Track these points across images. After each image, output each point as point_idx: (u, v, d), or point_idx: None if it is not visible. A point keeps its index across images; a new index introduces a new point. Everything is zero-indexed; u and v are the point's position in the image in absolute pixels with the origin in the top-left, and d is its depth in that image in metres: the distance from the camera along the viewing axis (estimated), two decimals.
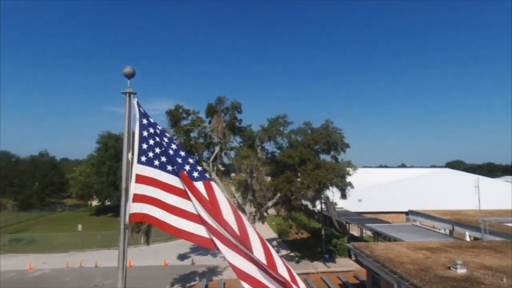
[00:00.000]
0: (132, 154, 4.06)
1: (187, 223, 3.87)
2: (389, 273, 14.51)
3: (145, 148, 4.03)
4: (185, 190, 3.95)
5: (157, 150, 4.08)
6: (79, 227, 40.10)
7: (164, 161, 4.04)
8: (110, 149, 58.88)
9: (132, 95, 4.09)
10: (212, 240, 3.88)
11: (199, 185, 3.96)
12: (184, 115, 23.68)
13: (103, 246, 36.56)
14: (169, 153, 4.08)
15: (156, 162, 4.02)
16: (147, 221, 4.04)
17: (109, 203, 64.30)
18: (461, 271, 13.86)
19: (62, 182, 73.73)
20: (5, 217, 54.04)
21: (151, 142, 4.08)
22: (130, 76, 4.09)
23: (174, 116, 23.17)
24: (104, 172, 57.83)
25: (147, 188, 3.94)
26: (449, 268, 14.42)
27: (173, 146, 4.14)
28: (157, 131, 4.18)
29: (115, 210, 60.23)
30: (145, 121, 4.12)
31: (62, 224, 50.87)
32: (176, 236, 4.07)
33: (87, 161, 64.73)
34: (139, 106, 4.12)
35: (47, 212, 63.44)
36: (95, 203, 67.67)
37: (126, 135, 4.10)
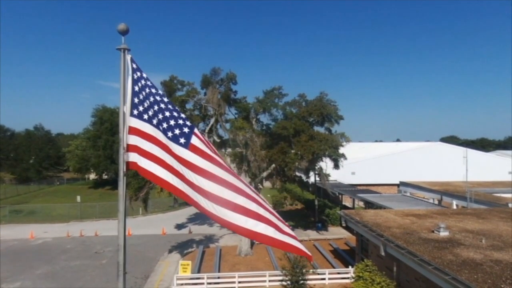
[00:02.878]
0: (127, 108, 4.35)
1: (170, 175, 4.14)
2: (376, 236, 15.30)
3: (136, 102, 4.28)
4: (168, 146, 4.21)
5: (146, 104, 4.29)
6: (78, 198, 40.80)
7: (150, 115, 4.26)
8: (106, 123, 58.76)
9: (126, 51, 4.32)
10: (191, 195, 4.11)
11: (184, 151, 4.16)
12: (179, 86, 23.69)
13: (102, 216, 37.47)
14: (160, 108, 4.31)
15: (145, 116, 4.25)
16: (136, 169, 4.27)
17: (106, 176, 64.96)
18: (444, 234, 14.67)
19: (58, 156, 73.94)
20: (3, 190, 54.60)
21: (141, 96, 4.30)
22: (124, 32, 4.28)
23: (169, 87, 23.19)
24: (101, 145, 58.01)
25: (137, 139, 4.22)
26: (432, 231, 15.23)
27: (163, 105, 4.34)
28: (149, 85, 4.39)
29: (113, 183, 60.97)
30: (136, 76, 4.32)
31: (61, 197, 51.63)
32: (159, 185, 4.31)
33: (83, 135, 64.72)
34: (132, 61, 4.35)
35: (45, 185, 64.10)
36: (92, 176, 68.30)
37: (122, 89, 4.37)
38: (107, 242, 27.42)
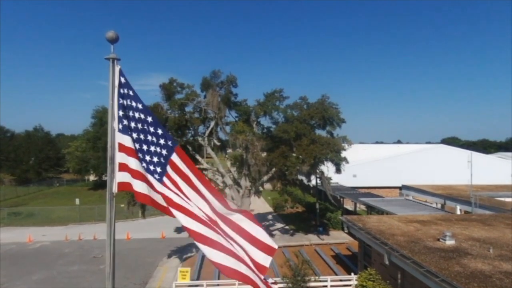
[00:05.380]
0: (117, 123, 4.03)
1: (157, 196, 4.02)
2: (380, 245, 14.91)
3: (121, 116, 4.03)
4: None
5: (131, 121, 4.13)
6: (77, 201, 40.49)
7: (136, 134, 4.15)
8: (106, 124, 58.21)
9: (116, 61, 3.96)
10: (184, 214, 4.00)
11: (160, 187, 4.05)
12: (179, 89, 23.32)
13: (101, 219, 37.06)
14: (143, 130, 4.17)
15: (129, 132, 4.08)
16: (129, 190, 4.07)
17: (106, 178, 64.59)
18: (450, 242, 14.28)
19: (58, 157, 73.58)
20: (2, 191, 54.26)
21: (127, 111, 4.10)
22: (113, 41, 3.93)
23: (168, 90, 22.83)
24: (100, 147, 57.61)
25: (125, 157, 3.99)
26: (438, 239, 14.84)
27: (150, 128, 4.19)
28: (133, 103, 4.15)
29: None
30: (122, 91, 4.07)
31: (60, 199, 51.30)
32: (151, 206, 4.25)
33: (83, 136, 64.41)
34: (120, 74, 4.02)
35: (44, 187, 63.77)
36: (92, 178, 67.98)
37: (110, 102, 4.03)
38: (105, 246, 27.03)
